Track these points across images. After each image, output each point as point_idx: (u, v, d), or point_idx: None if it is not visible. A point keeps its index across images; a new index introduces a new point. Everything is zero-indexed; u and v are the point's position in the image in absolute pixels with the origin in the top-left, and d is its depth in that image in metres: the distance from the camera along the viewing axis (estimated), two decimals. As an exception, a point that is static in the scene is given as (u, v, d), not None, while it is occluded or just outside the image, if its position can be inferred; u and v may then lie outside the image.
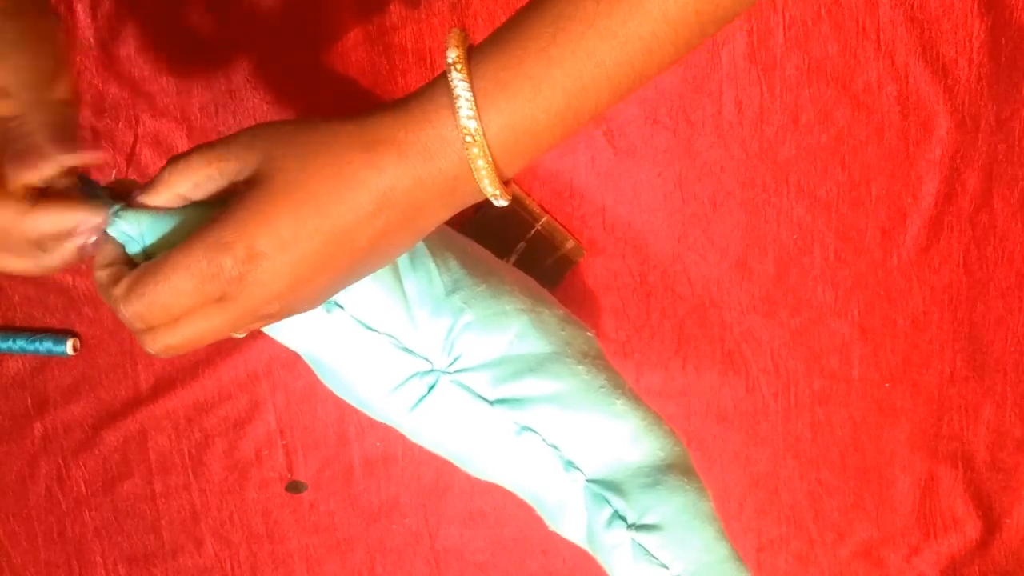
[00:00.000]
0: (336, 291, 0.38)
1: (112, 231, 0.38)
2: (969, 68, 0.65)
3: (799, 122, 0.66)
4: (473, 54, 0.34)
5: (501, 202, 0.36)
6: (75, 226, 0.37)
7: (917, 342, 0.69)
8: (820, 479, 0.71)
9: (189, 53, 0.67)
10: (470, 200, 0.37)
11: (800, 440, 0.70)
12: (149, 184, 0.37)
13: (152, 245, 0.38)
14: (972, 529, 0.70)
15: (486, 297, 0.48)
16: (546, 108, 0.34)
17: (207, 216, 0.38)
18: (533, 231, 0.67)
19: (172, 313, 0.35)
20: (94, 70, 0.67)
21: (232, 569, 0.74)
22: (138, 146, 0.68)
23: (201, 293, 0.34)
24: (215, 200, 0.38)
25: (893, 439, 0.70)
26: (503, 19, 0.69)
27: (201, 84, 0.68)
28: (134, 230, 0.38)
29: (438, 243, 0.49)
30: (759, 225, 0.68)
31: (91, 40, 0.67)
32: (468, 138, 0.34)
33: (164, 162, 0.71)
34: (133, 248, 0.38)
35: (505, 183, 0.36)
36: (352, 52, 0.67)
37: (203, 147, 0.36)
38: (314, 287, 0.36)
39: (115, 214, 0.38)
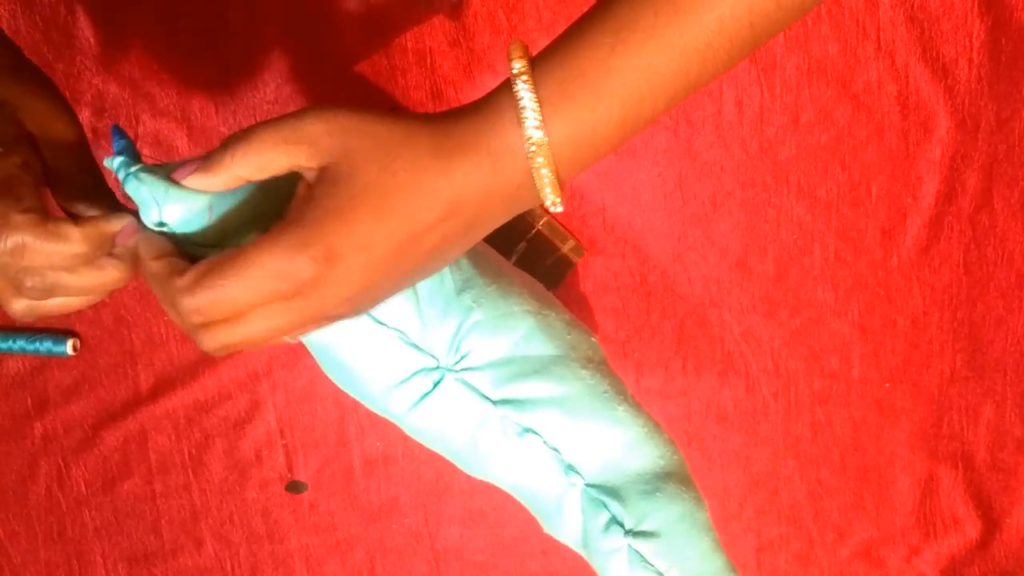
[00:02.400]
0: (389, 294, 0.38)
1: (130, 190, 0.37)
2: (969, 68, 0.65)
3: (799, 122, 0.66)
4: (536, 64, 0.35)
5: (558, 208, 0.36)
6: (113, 232, 0.37)
7: (917, 342, 0.69)
8: (820, 479, 0.71)
9: (189, 53, 0.67)
10: (528, 207, 0.37)
11: (800, 440, 0.70)
12: (206, 163, 0.36)
13: (178, 222, 0.37)
14: (972, 529, 0.70)
15: (495, 297, 0.48)
16: (606, 118, 0.34)
17: (238, 198, 0.38)
18: (533, 231, 0.67)
19: (237, 309, 0.34)
20: (94, 70, 0.67)
21: (232, 569, 0.74)
22: (138, 146, 0.68)
23: (274, 292, 0.33)
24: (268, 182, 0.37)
25: (893, 439, 0.70)
26: (503, 19, 0.69)
27: (201, 84, 0.68)
28: (157, 195, 0.36)
29: None
30: (759, 225, 0.68)
31: (91, 40, 0.67)
32: (533, 148, 0.34)
33: (164, 162, 0.71)
34: (149, 215, 0.37)
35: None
36: (352, 52, 0.67)
37: (268, 127, 0.34)
38: (379, 290, 0.36)
39: (134, 174, 0.36)
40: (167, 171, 0.37)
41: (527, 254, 0.67)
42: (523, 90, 0.34)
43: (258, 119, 0.68)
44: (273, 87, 0.67)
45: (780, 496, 0.71)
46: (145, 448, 0.72)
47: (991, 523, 0.70)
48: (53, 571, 0.75)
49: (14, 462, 0.73)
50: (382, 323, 0.46)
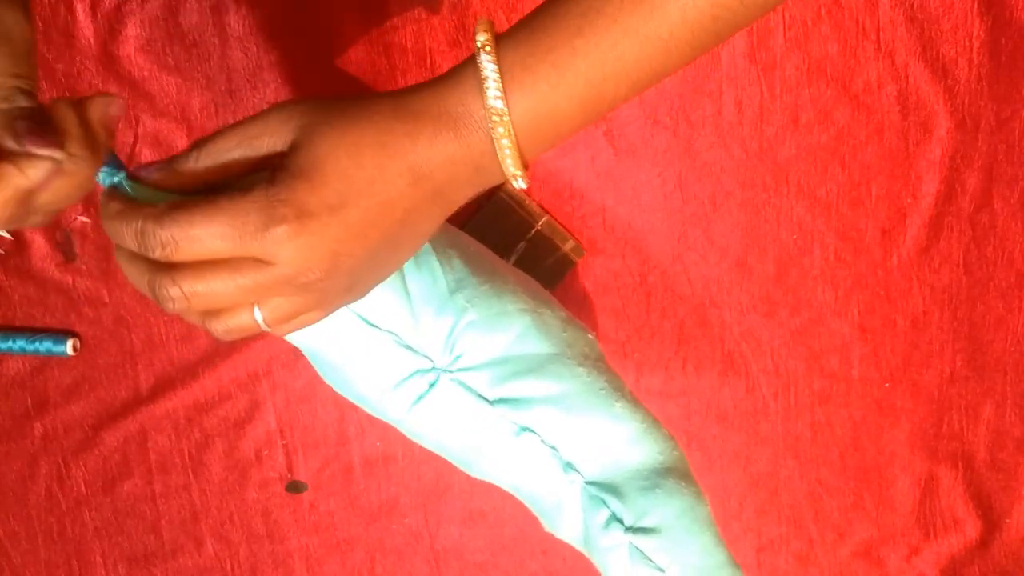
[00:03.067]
0: (367, 271, 0.37)
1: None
2: (969, 68, 0.65)
3: (799, 122, 0.66)
4: (502, 39, 0.36)
5: (521, 184, 0.37)
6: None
7: (917, 342, 0.69)
8: (820, 479, 0.71)
9: (189, 53, 0.67)
10: (493, 180, 0.38)
11: (800, 440, 0.70)
12: (174, 162, 0.36)
13: None
14: (972, 529, 0.70)
15: (489, 296, 0.48)
16: (568, 95, 0.35)
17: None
18: (533, 231, 0.67)
19: (201, 252, 0.33)
20: (94, 70, 0.67)
21: (232, 569, 0.74)
22: (138, 146, 0.68)
23: (241, 245, 0.33)
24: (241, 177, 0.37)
25: (893, 439, 0.70)
26: (503, 19, 0.69)
27: (201, 84, 0.68)
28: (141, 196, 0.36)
29: (442, 241, 0.49)
30: (759, 225, 0.68)
31: (91, 40, 0.67)
32: (495, 117, 0.35)
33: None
34: None
35: (525, 167, 0.37)
36: (352, 52, 0.67)
37: (232, 128, 0.35)
38: (352, 260, 0.36)
39: (121, 182, 0.36)
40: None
41: (527, 254, 0.67)
42: (486, 61, 0.35)
43: (258, 119, 0.68)
44: (273, 87, 0.67)
45: (780, 496, 0.71)
46: (145, 448, 0.72)
47: (991, 523, 0.70)
48: (53, 571, 0.75)
49: (14, 462, 0.73)
50: (375, 326, 0.46)
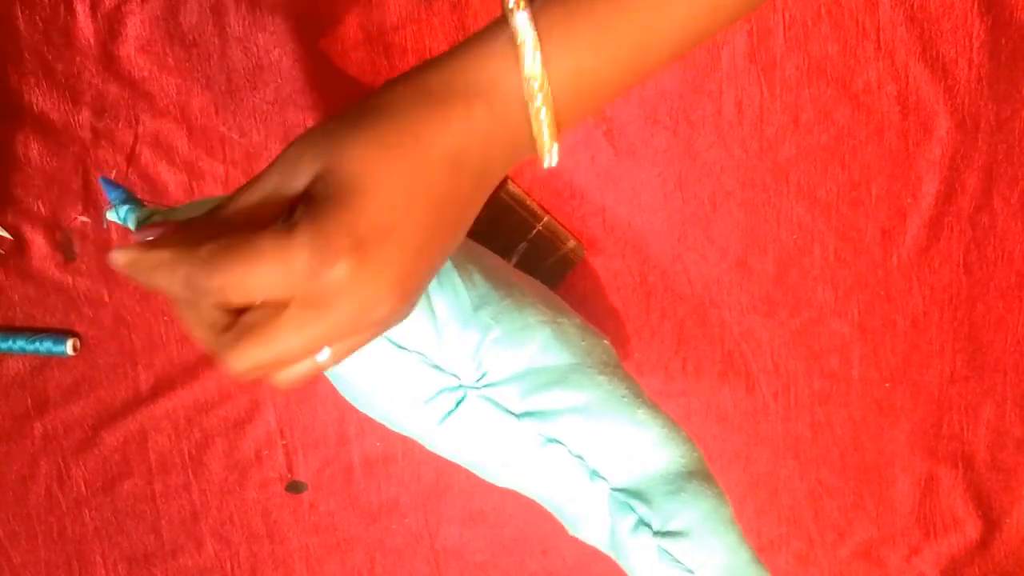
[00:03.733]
0: (420, 288, 0.33)
1: (132, 226, 0.37)
2: (969, 68, 0.65)
3: (799, 122, 0.66)
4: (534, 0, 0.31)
5: (552, 160, 0.33)
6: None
7: (917, 342, 0.69)
8: (820, 479, 0.71)
9: (189, 53, 0.67)
10: (524, 155, 0.33)
11: (800, 440, 0.70)
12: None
13: None
14: (972, 529, 0.70)
15: (512, 311, 0.48)
16: (613, 59, 0.31)
17: None
18: (534, 231, 0.67)
19: (252, 299, 0.29)
20: (94, 70, 0.67)
21: (232, 569, 0.74)
22: (138, 146, 0.68)
23: (296, 286, 0.29)
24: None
25: (893, 439, 0.70)
26: (503, 19, 0.68)
27: (201, 84, 0.67)
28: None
29: (460, 256, 0.49)
30: (759, 225, 0.68)
31: (91, 40, 0.67)
32: (535, 83, 0.30)
33: (164, 162, 0.71)
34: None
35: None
36: (352, 52, 0.67)
37: (245, 189, 0.31)
38: (417, 278, 0.31)
39: (144, 220, 0.37)
40: (165, 214, 0.37)
41: (528, 254, 0.67)
42: (522, 22, 0.30)
43: (258, 119, 0.68)
44: (273, 87, 0.67)
45: (780, 496, 0.71)
46: (145, 448, 0.72)
47: (991, 523, 0.70)
48: (53, 571, 0.75)
49: (14, 462, 0.73)
50: (403, 347, 0.46)
